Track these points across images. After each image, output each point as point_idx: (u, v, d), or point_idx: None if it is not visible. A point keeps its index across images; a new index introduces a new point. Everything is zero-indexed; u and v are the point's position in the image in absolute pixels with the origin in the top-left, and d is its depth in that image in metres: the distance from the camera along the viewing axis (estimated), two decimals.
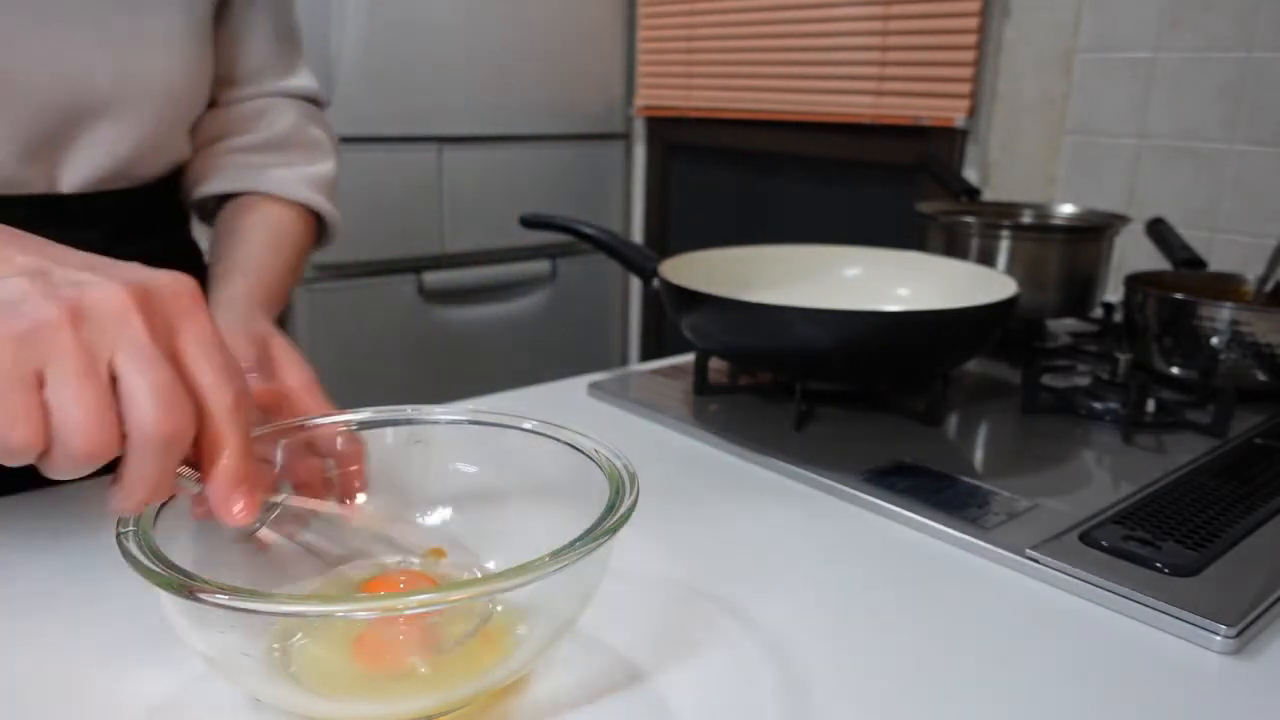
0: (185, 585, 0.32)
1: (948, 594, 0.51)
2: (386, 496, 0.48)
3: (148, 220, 0.69)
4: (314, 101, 0.77)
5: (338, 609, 0.33)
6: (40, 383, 0.31)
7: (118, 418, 0.32)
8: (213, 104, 0.71)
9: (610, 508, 0.38)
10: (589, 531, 0.36)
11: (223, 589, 0.31)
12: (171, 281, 0.34)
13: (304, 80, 0.75)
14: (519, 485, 0.47)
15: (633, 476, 0.40)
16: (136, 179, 0.66)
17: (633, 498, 0.39)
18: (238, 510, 0.35)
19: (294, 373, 0.50)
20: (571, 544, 0.35)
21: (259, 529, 0.40)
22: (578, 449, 0.44)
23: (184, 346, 0.34)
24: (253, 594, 0.32)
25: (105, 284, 0.32)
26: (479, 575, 0.44)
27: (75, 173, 0.61)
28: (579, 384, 0.84)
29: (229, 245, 0.64)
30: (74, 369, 0.31)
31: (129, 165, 0.64)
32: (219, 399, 0.34)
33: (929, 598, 0.50)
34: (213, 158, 0.71)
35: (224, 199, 0.71)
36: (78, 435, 0.31)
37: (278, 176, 0.70)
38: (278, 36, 0.72)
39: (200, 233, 0.77)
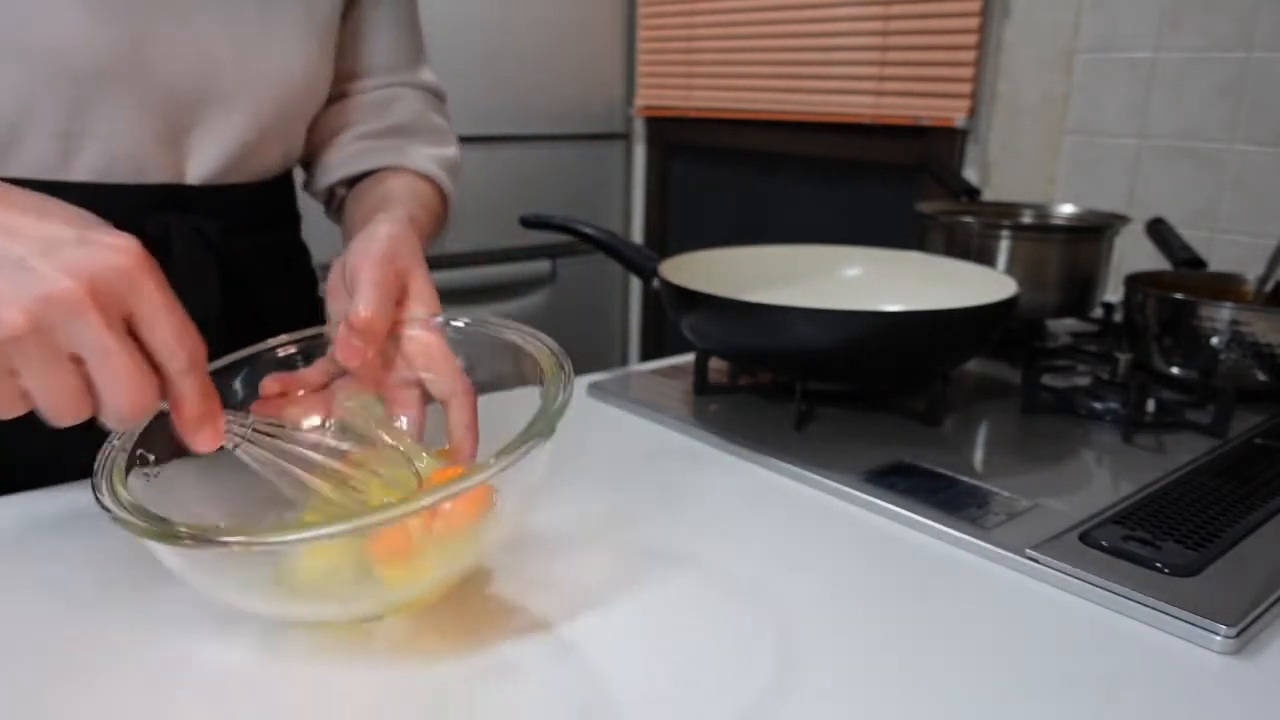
0: (186, 535, 0.37)
1: (948, 594, 0.51)
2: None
3: (264, 216, 0.72)
4: (436, 95, 0.79)
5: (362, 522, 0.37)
6: (14, 374, 0.36)
7: (89, 391, 0.37)
8: (341, 95, 0.73)
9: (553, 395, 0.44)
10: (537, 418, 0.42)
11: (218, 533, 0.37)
12: (117, 258, 0.37)
13: (427, 75, 0.78)
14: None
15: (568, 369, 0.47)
16: (254, 173, 0.68)
17: (570, 387, 0.45)
18: (202, 443, 0.41)
19: (418, 307, 0.53)
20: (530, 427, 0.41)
21: (235, 449, 0.44)
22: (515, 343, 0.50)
23: (138, 318, 0.38)
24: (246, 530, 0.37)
25: (57, 279, 0.36)
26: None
27: (200, 163, 0.63)
28: (579, 384, 0.84)
29: (370, 202, 0.66)
30: (41, 367, 0.36)
31: (248, 156, 0.66)
32: (174, 363, 0.39)
33: (929, 598, 0.50)
34: (342, 145, 0.73)
35: (352, 185, 0.73)
36: (57, 413, 0.38)
37: (409, 153, 0.72)
38: (403, 32, 0.75)
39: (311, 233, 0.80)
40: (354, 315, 0.49)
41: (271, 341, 0.53)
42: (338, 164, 0.73)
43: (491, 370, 0.52)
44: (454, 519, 0.42)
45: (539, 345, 0.50)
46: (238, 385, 0.51)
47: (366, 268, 0.51)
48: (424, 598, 0.46)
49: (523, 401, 0.47)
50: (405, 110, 0.74)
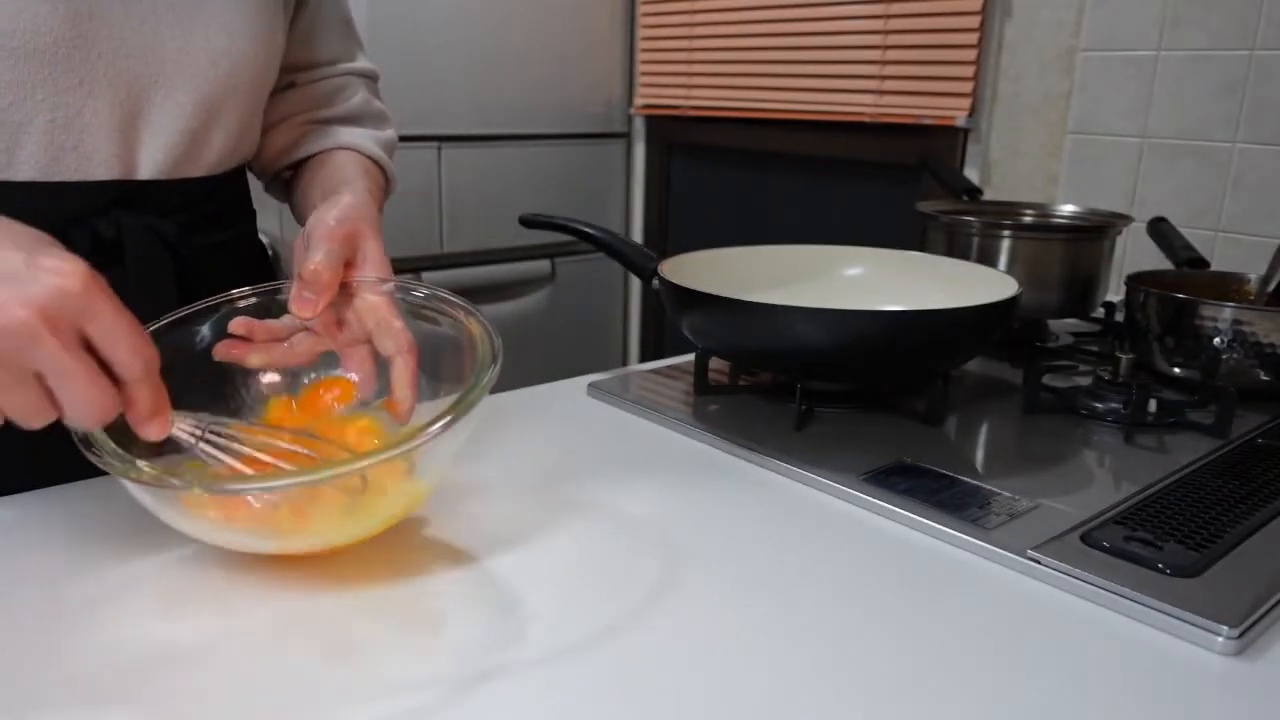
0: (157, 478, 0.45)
1: (948, 595, 0.50)
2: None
3: (219, 213, 0.73)
4: (373, 78, 0.84)
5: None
6: None
7: (54, 402, 0.41)
8: (291, 85, 0.77)
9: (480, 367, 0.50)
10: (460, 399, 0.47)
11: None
12: (67, 283, 0.40)
13: (365, 62, 0.83)
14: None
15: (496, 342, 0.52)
16: (207, 166, 0.68)
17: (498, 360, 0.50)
18: (151, 434, 0.45)
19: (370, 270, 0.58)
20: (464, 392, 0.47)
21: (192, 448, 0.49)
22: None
23: (93, 338, 0.41)
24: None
25: (13, 311, 0.39)
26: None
27: (150, 154, 0.64)
28: (579, 384, 0.83)
29: (326, 177, 0.71)
30: (7, 387, 0.40)
31: (198, 146, 0.66)
32: (128, 374, 0.43)
33: (929, 598, 0.50)
34: (295, 128, 0.77)
35: (297, 166, 0.78)
36: (26, 421, 0.42)
37: (354, 136, 0.78)
38: (345, 26, 0.81)
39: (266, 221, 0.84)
40: (305, 268, 0.54)
41: (234, 293, 0.58)
42: (297, 144, 0.77)
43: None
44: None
45: (477, 324, 0.54)
46: (206, 330, 0.57)
47: (321, 229, 0.56)
48: (350, 541, 0.51)
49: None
50: (354, 99, 0.79)
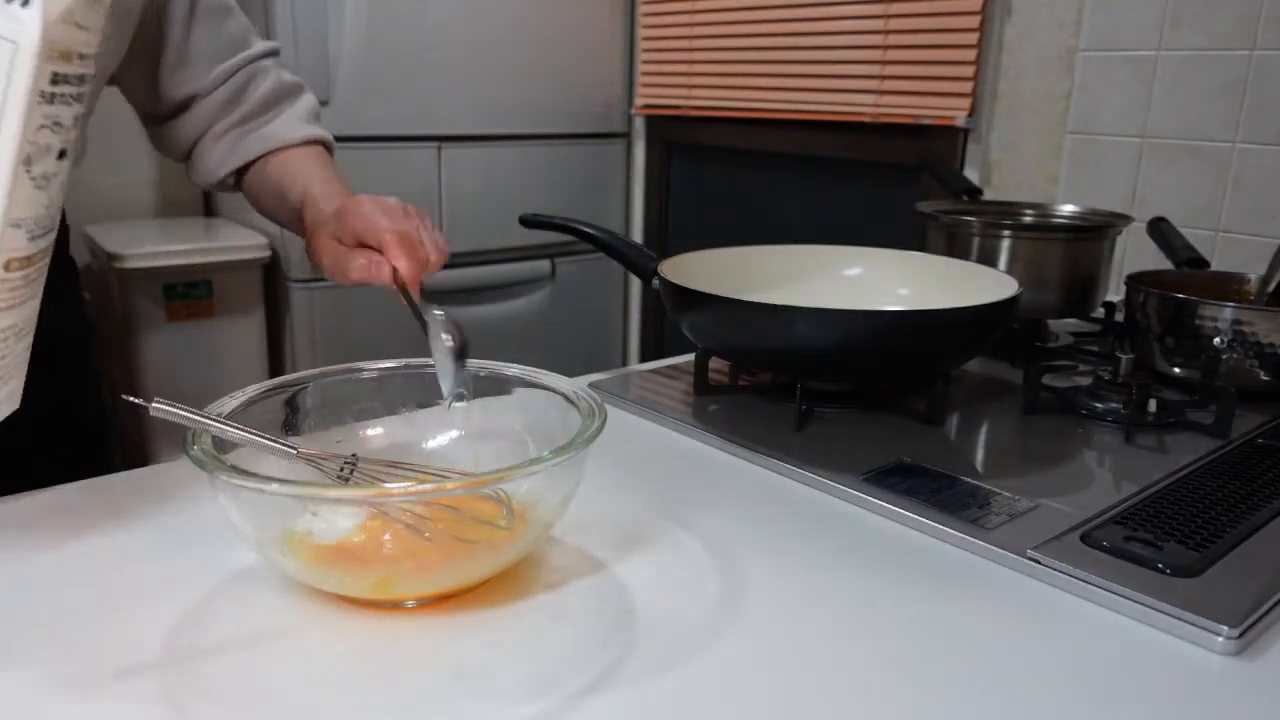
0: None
1: (948, 595, 0.50)
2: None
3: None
4: (274, 54, 0.82)
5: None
6: None
7: None
8: (195, 97, 0.77)
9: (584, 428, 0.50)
10: (572, 440, 0.48)
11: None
12: None
13: (260, 43, 0.80)
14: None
15: (601, 406, 0.52)
16: None
17: (602, 418, 0.51)
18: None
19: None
20: (561, 448, 0.47)
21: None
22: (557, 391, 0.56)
23: None
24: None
25: None
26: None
27: None
28: (579, 384, 0.83)
29: (289, 187, 0.75)
30: None
31: None
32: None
33: (929, 598, 0.50)
34: (219, 138, 0.78)
35: (241, 173, 0.80)
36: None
37: (280, 129, 0.78)
38: (220, 17, 0.77)
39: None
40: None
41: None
42: (222, 158, 0.78)
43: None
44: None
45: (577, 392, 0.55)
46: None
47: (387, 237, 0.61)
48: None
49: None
50: (264, 85, 0.79)
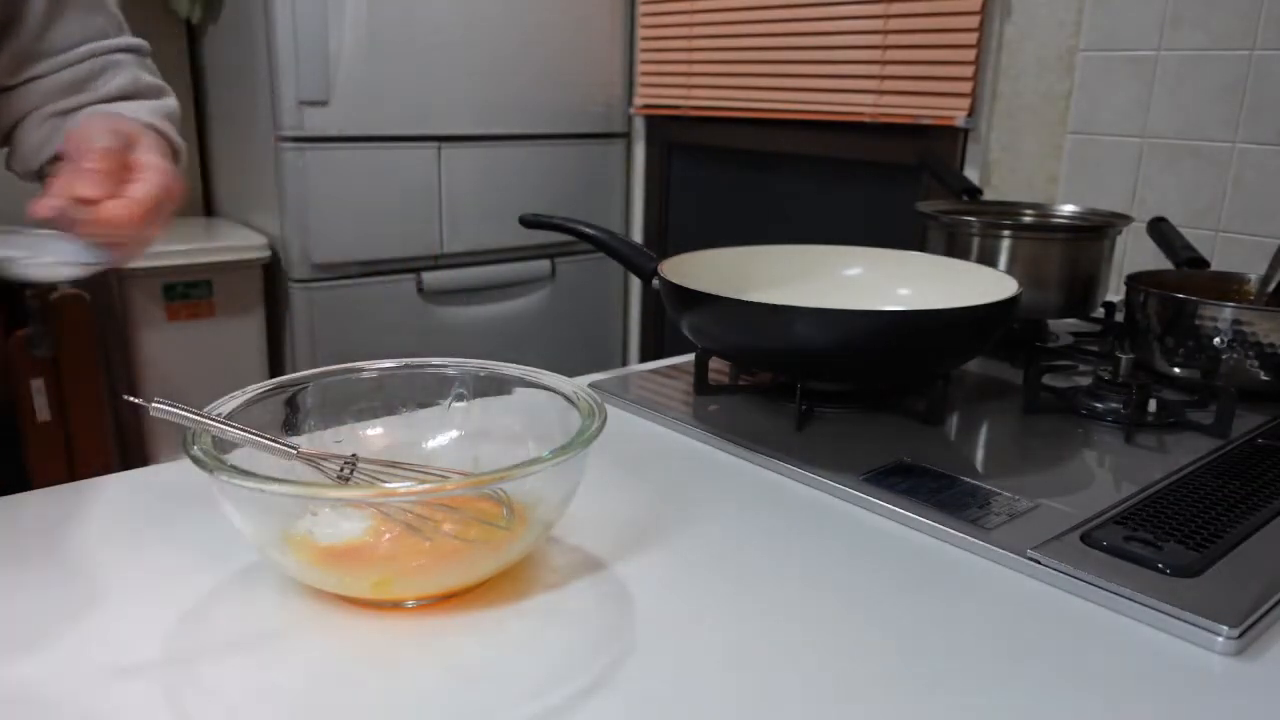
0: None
1: (948, 595, 0.50)
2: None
3: None
4: (142, 52, 0.76)
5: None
6: None
7: None
8: (36, 77, 0.70)
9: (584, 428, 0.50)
10: (572, 440, 0.48)
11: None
12: None
13: (127, 37, 0.75)
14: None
15: (601, 406, 0.52)
16: None
17: (602, 418, 0.51)
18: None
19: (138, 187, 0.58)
20: (561, 448, 0.47)
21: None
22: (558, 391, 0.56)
23: None
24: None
25: None
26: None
27: None
28: (579, 384, 0.83)
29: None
30: None
31: None
32: None
33: (929, 599, 0.50)
34: (41, 120, 0.70)
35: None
36: None
37: (126, 109, 0.70)
38: (89, 6, 0.72)
39: None
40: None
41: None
42: (42, 142, 0.70)
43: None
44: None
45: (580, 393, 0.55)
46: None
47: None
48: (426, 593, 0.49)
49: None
50: (117, 79, 0.72)
